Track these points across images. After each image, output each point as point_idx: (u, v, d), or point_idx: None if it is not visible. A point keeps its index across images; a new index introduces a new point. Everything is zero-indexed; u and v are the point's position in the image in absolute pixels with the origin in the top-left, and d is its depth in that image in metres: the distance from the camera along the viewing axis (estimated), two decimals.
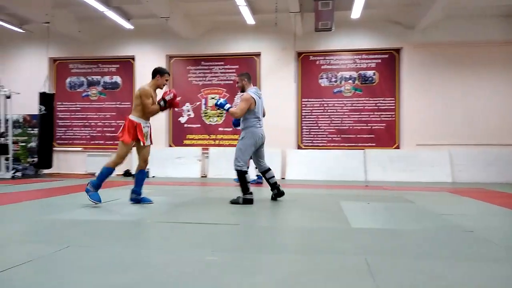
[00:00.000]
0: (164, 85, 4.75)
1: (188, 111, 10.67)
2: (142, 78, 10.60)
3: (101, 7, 8.32)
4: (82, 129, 11.00)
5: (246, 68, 10.36)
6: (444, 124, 9.56)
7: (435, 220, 3.89)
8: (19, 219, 3.75)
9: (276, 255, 2.51)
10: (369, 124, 9.92)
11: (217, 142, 10.45)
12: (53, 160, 10.09)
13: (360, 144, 9.88)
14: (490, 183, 8.49)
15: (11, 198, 5.42)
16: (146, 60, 10.66)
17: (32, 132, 10.94)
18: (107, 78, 10.99)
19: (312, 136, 10.13)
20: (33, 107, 10.14)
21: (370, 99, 9.94)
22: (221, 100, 4.93)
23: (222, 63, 10.53)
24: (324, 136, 10.07)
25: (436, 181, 8.77)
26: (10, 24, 9.78)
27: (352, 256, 2.48)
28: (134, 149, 4.76)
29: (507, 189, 7.33)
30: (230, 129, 10.24)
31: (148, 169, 9.45)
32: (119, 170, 10.10)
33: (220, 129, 10.48)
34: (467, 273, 2.19)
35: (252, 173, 8.44)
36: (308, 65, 10.17)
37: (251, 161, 5.76)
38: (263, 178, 5.25)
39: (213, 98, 10.54)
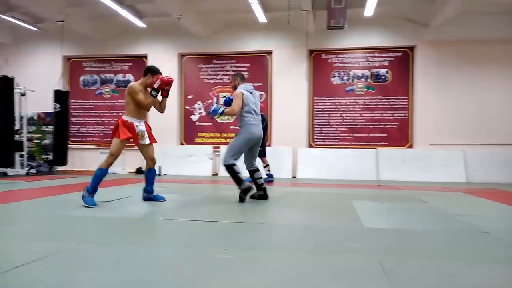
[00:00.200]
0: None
1: (200, 109, 10.70)
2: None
3: (114, 6, 8.39)
4: (95, 126, 11.12)
5: (258, 66, 10.36)
6: (458, 123, 9.41)
7: (449, 220, 3.83)
8: (34, 216, 3.80)
9: (288, 254, 2.49)
10: (381, 123, 9.83)
11: (228, 140, 10.44)
12: (67, 157, 10.22)
13: (372, 143, 9.80)
14: (505, 184, 8.34)
15: (26, 194, 5.51)
16: (159, 59, 10.73)
17: (46, 129, 11.10)
18: (120, 76, 11.08)
19: (323, 134, 10.08)
20: (47, 105, 10.29)
21: (383, 97, 9.84)
22: (213, 107, 4.83)
23: (234, 61, 10.54)
24: (336, 135, 10.01)
25: (450, 181, 8.64)
26: (24, 22, 9.93)
27: (365, 256, 2.46)
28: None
29: None
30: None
31: (160, 167, 9.58)
32: (132, 167, 10.21)
33: (231, 127, 10.49)
34: (484, 275, 2.15)
35: (262, 171, 8.44)
36: (320, 63, 10.12)
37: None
38: (251, 176, 5.08)
39: (224, 96, 10.53)
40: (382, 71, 9.87)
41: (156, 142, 4.79)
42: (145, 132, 4.61)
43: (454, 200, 5.63)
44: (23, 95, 9.68)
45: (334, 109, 10.04)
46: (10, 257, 2.34)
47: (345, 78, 10.01)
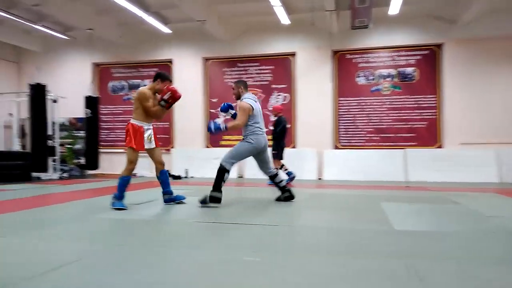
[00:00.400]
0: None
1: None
2: (180, 81, 10.87)
3: (140, 13, 8.59)
4: (124, 131, 11.38)
5: (282, 68, 10.36)
6: (490, 122, 9.11)
7: (482, 222, 3.71)
8: (68, 218, 3.93)
9: (318, 257, 2.48)
10: (409, 123, 9.63)
11: None
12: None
13: (400, 144, 9.61)
14: None
15: (60, 198, 5.70)
16: (183, 63, 10.93)
17: (77, 134, 11.46)
18: (146, 82, 11.30)
19: (349, 136, 9.96)
20: (78, 111, 10.62)
21: (410, 96, 9.65)
22: (213, 124, 4.62)
23: (257, 64, 10.58)
24: (362, 135, 9.88)
25: (482, 182, 8.36)
26: (55, 31, 10.29)
27: (396, 259, 2.41)
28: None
29: None
30: (265, 129, 10.24)
31: (186, 169, 9.71)
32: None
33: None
34: None
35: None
36: (344, 63, 10.02)
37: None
38: (273, 182, 5.06)
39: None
40: (409, 69, 9.68)
41: (159, 146, 4.75)
42: (152, 136, 4.64)
43: (487, 201, 5.45)
44: (54, 101, 10.02)
45: (359, 110, 9.91)
46: (47, 259, 2.43)
47: (371, 78, 9.87)
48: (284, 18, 8.99)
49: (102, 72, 11.67)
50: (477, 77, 9.23)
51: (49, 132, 9.73)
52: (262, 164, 4.96)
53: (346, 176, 9.17)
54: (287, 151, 9.91)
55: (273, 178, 4.99)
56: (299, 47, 10.15)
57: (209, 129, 4.67)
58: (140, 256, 2.48)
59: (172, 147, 11.04)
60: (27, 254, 2.55)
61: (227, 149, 10.50)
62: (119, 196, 4.40)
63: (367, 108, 9.87)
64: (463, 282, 2.00)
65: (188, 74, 10.84)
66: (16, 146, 10.86)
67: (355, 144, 9.91)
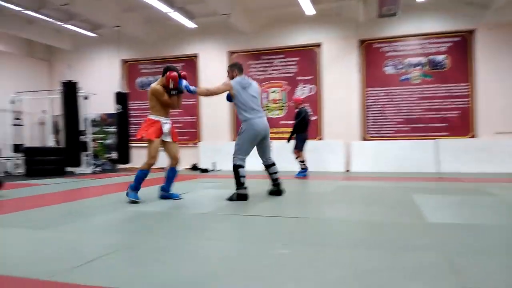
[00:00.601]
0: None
1: None
2: (205, 75, 10.95)
3: (166, 9, 8.67)
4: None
5: (307, 59, 10.24)
6: None
7: None
8: (102, 212, 4.04)
9: (349, 250, 2.45)
10: (440, 112, 9.34)
11: (279, 135, 10.46)
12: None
13: (431, 134, 9.35)
14: None
15: (94, 192, 5.88)
16: (209, 58, 10.99)
17: (108, 130, 11.76)
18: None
19: (378, 126, 9.77)
20: (108, 106, 10.87)
21: (441, 85, 9.35)
22: (185, 85, 4.49)
23: (283, 56, 10.50)
24: (391, 126, 9.66)
25: None
26: (84, 29, 10.55)
27: (432, 253, 2.35)
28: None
29: None
30: (292, 121, 10.19)
31: (214, 162, 9.80)
32: (187, 164, 10.54)
33: (281, 122, 10.48)
34: None
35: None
36: (372, 53, 9.80)
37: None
38: (267, 171, 4.90)
39: (274, 91, 10.57)
40: (440, 57, 9.37)
41: (178, 141, 4.74)
42: (170, 131, 4.63)
43: None
44: (86, 98, 10.31)
45: (388, 100, 9.69)
46: (85, 251, 2.51)
47: (400, 67, 9.61)
48: (309, 9, 8.86)
49: (130, 68, 11.90)
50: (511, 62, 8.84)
51: (82, 128, 10.03)
52: (261, 151, 4.81)
53: (374, 168, 9.02)
54: (314, 143, 9.88)
55: (268, 167, 4.86)
56: (324, 38, 10.00)
57: (180, 85, 4.49)
58: (174, 249, 2.53)
59: (199, 141, 11.17)
60: (66, 246, 2.65)
61: None
62: (135, 187, 4.50)
63: (396, 98, 9.63)
64: (502, 277, 1.93)
65: (213, 68, 10.89)
66: (51, 142, 11.28)
67: (384, 135, 9.71)
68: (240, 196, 4.51)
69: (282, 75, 10.51)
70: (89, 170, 10.07)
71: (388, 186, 6.11)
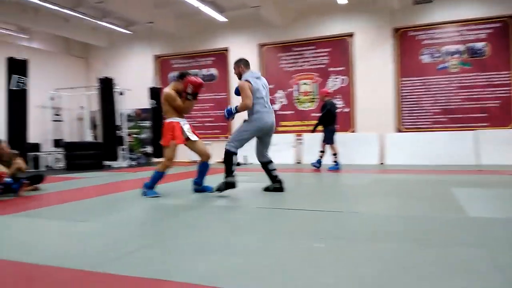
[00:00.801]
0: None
1: (281, 98, 10.75)
2: None
3: (196, 3, 8.73)
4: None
5: (339, 50, 10.06)
6: None
7: None
8: (139, 204, 4.16)
9: (386, 244, 2.40)
10: (480, 102, 8.95)
11: (310, 128, 10.35)
12: None
13: (470, 125, 8.98)
14: None
15: (131, 185, 6.05)
16: (239, 51, 10.97)
17: (142, 124, 12.06)
18: (204, 71, 11.57)
19: (413, 118, 9.48)
20: (142, 101, 11.14)
21: (481, 74, 8.94)
22: (227, 109, 4.54)
23: (314, 47, 10.36)
24: (428, 117, 9.35)
25: None
26: (118, 26, 10.81)
27: (473, 248, 2.27)
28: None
29: None
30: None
31: (245, 156, 9.84)
32: (219, 157, 10.64)
33: (313, 114, 10.37)
34: None
35: (314, 158, 8.26)
36: (407, 41, 9.49)
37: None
38: (264, 169, 4.72)
39: (305, 83, 10.46)
40: (479, 44, 8.95)
41: (199, 137, 4.76)
42: (190, 130, 4.66)
43: None
44: (121, 93, 10.60)
45: (424, 90, 9.37)
46: (125, 242, 2.59)
47: (436, 55, 9.26)
48: None
49: (162, 64, 12.11)
50: None
51: (118, 123, 10.33)
52: (261, 147, 4.66)
53: (410, 160, 8.77)
54: (346, 136, 9.72)
55: (266, 165, 4.69)
56: (357, 27, 9.77)
57: (226, 116, 4.56)
58: (206, 241, 2.57)
59: (230, 135, 11.23)
60: (106, 238, 2.75)
61: (284, 135, 10.57)
62: (150, 186, 4.58)
63: (433, 87, 9.30)
64: None
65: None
66: (89, 137, 11.69)
67: (420, 126, 9.41)
68: (229, 184, 4.34)
69: (313, 66, 10.38)
70: (125, 164, 10.37)
71: (425, 179, 5.94)
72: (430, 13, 9.12)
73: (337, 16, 9.90)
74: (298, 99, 10.56)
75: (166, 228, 3.02)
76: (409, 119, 9.54)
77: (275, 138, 10.25)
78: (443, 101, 9.22)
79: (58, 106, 11.51)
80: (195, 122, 11.53)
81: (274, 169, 4.71)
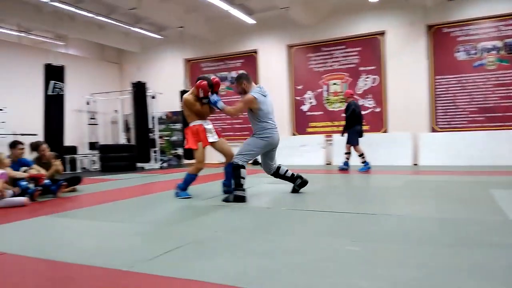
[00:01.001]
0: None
1: (310, 99, 10.68)
2: (265, 70, 11.01)
3: (226, 6, 8.81)
4: (213, 122, 11.91)
5: (370, 49, 9.89)
6: None
7: None
8: (172, 205, 4.24)
9: (421, 248, 2.33)
10: None
11: (340, 128, 10.21)
12: None
13: (508, 124, 8.58)
14: None
15: (163, 186, 6.18)
16: (268, 53, 11.03)
17: (173, 127, 12.30)
18: (233, 73, 11.65)
19: (449, 117, 9.17)
20: (173, 105, 11.35)
21: None
22: (214, 100, 4.56)
23: (343, 46, 10.22)
24: (464, 116, 9.01)
25: None
26: (150, 32, 11.07)
27: None
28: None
29: None
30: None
31: (256, 158, 9.82)
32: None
33: (343, 115, 10.21)
34: None
35: (341, 159, 8.11)
36: (441, 38, 9.19)
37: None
38: (278, 177, 4.74)
39: (335, 84, 10.34)
40: None
41: (222, 137, 4.89)
42: (213, 130, 4.77)
43: None
44: (153, 97, 10.86)
45: (460, 88, 9.04)
46: (160, 243, 2.65)
47: (472, 52, 8.92)
48: None
49: (192, 67, 12.30)
50: None
51: (150, 125, 10.58)
52: (268, 160, 4.66)
53: (446, 161, 8.48)
54: (378, 136, 9.53)
55: (277, 172, 4.69)
56: (389, 25, 9.56)
57: (210, 100, 4.59)
58: (238, 242, 2.58)
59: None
60: (141, 238, 2.82)
61: (313, 136, 10.47)
62: (183, 187, 4.68)
63: (469, 85, 8.96)
64: None
65: (273, 63, 10.91)
66: (122, 140, 12.04)
67: (456, 125, 9.09)
68: (238, 198, 4.23)
69: (343, 66, 10.24)
70: (157, 165, 10.60)
71: (462, 180, 5.73)
72: (465, 8, 8.80)
73: (368, 14, 9.73)
74: (327, 99, 10.45)
75: (198, 229, 3.06)
76: (444, 118, 9.23)
77: (304, 139, 10.36)
78: (479, 99, 8.86)
79: (93, 110, 11.92)
80: (224, 124, 11.66)
81: (287, 170, 4.74)
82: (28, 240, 2.88)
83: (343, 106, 10.21)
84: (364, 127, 9.91)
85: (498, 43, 8.71)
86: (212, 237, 2.76)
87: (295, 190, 4.77)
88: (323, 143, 10.17)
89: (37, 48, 11.23)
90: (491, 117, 8.76)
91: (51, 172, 5.33)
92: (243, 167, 4.33)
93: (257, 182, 5.86)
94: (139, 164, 10.24)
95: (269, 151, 4.60)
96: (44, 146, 5.48)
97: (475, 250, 2.26)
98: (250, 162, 4.81)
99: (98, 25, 10.94)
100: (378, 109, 9.84)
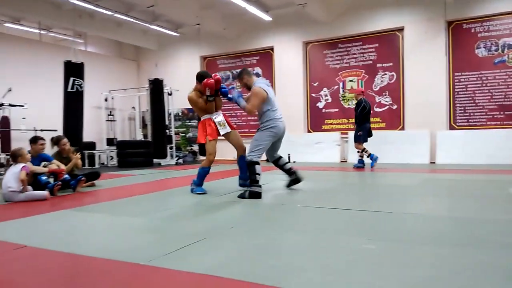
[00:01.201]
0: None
1: (326, 96, 10.61)
2: (280, 67, 10.98)
3: (242, 3, 8.81)
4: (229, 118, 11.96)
5: (387, 45, 9.76)
6: None
7: None
8: (188, 201, 4.29)
9: (438, 247, 2.31)
10: None
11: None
12: None
13: None
14: None
15: (179, 182, 6.25)
16: (284, 49, 11.00)
17: (189, 124, 12.40)
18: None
19: (467, 114, 8.99)
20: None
21: None
22: (236, 95, 4.62)
23: (360, 43, 10.12)
24: (483, 113, 8.82)
25: None
26: (167, 29, 11.16)
27: None
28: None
29: None
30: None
31: (288, 154, 9.84)
32: (262, 156, 10.71)
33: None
34: None
35: (355, 157, 8.02)
36: (461, 34, 9.00)
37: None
38: (276, 166, 4.85)
39: (351, 80, 10.25)
40: None
41: (235, 128, 4.90)
42: (225, 121, 4.78)
43: None
44: (170, 94, 10.96)
45: (480, 85, 8.85)
46: (177, 238, 2.69)
47: (493, 48, 8.71)
48: None
49: (208, 64, 12.36)
50: None
51: (166, 122, 10.69)
52: (273, 151, 4.77)
53: (464, 159, 8.33)
54: (394, 134, 9.42)
55: (277, 161, 4.80)
56: (407, 21, 9.40)
57: (228, 95, 4.66)
58: (253, 239, 2.60)
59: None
60: (159, 233, 2.87)
61: (329, 133, 10.40)
62: (198, 183, 4.72)
63: (489, 82, 8.76)
64: None
65: (289, 60, 10.88)
66: (139, 136, 12.20)
67: (475, 123, 8.91)
68: (253, 194, 4.26)
69: (360, 63, 10.14)
70: (173, 162, 10.71)
71: (480, 179, 5.63)
72: (487, 4, 8.59)
73: (386, 10, 9.60)
74: (343, 96, 10.37)
75: (214, 224, 3.09)
76: (462, 115, 9.06)
77: (320, 136, 10.31)
78: (499, 96, 8.66)
79: (112, 107, 12.11)
80: (240, 121, 11.69)
81: (286, 163, 4.86)
82: (48, 233, 2.96)
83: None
84: (380, 125, 9.86)
85: None
86: (228, 233, 2.79)
87: (289, 185, 4.87)
88: (339, 140, 10.11)
89: (57, 45, 11.46)
90: (511, 115, 8.55)
91: (71, 165, 5.44)
92: (257, 163, 4.36)
93: (271, 179, 5.87)
94: (155, 160, 10.36)
95: (275, 142, 4.68)
96: (65, 140, 5.59)
97: (492, 250, 2.23)
98: (265, 159, 4.86)
99: (117, 22, 11.09)
100: (395, 106, 9.72)
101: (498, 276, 1.83)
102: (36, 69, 10.32)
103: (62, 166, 5.23)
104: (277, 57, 11.14)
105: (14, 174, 4.47)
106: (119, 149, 10.28)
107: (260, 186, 4.33)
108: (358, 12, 9.91)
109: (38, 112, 9.64)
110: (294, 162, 9.99)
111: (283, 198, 4.39)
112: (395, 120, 9.72)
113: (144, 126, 12.31)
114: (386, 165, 8.02)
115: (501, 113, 8.66)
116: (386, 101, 9.81)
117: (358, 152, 8.02)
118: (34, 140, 5.25)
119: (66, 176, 5.15)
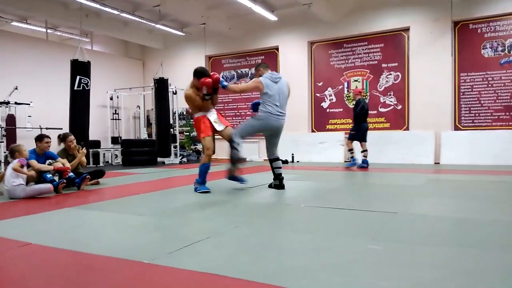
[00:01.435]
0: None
1: (330, 95, 10.60)
2: (285, 67, 10.98)
3: (248, 3, 8.82)
4: (234, 118, 11.98)
5: (393, 45, 9.73)
6: None
7: None
8: (192, 200, 4.30)
9: (444, 248, 2.30)
10: None
11: None
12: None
13: None
14: None
15: (184, 181, 6.27)
16: (289, 49, 11.00)
17: (193, 123, 12.41)
18: (254, 70, 11.65)
19: (473, 115, 8.95)
20: None
21: None
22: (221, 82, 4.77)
23: (366, 43, 10.10)
24: (489, 114, 8.78)
25: None
26: (173, 29, 11.19)
27: None
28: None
29: None
30: (374, 111, 9.79)
31: (292, 154, 9.82)
32: (264, 156, 10.71)
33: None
34: None
35: (359, 156, 8.01)
36: (467, 34, 8.96)
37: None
38: (270, 165, 4.95)
39: (356, 80, 10.23)
40: None
41: (229, 125, 4.95)
42: (218, 119, 4.84)
43: None
44: (174, 93, 10.98)
45: (485, 86, 8.80)
46: (181, 236, 2.70)
47: (500, 49, 8.66)
48: None
49: (213, 64, 12.39)
50: None
51: (171, 121, 10.71)
52: (270, 146, 4.92)
53: (469, 160, 8.29)
54: (399, 134, 9.39)
55: (272, 162, 4.89)
56: (413, 21, 9.37)
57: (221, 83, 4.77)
58: (258, 238, 2.61)
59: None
60: (163, 232, 2.88)
61: (333, 133, 10.38)
62: (201, 181, 4.74)
63: (495, 83, 8.71)
64: None
65: (294, 59, 10.88)
66: (144, 135, 12.24)
67: (480, 124, 8.86)
68: (236, 160, 4.69)
69: (365, 63, 10.12)
70: (177, 160, 10.74)
71: (486, 180, 5.59)
72: (493, 4, 8.54)
73: (391, 10, 9.57)
74: (348, 96, 10.35)
75: (218, 223, 3.10)
76: (468, 116, 9.01)
77: (323, 136, 10.29)
78: (505, 97, 8.61)
79: (117, 106, 12.16)
80: (243, 120, 11.69)
81: (279, 167, 4.92)
82: (53, 231, 2.97)
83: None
84: (385, 125, 9.83)
85: None
86: (231, 232, 2.79)
87: (270, 186, 4.95)
88: (342, 140, 10.09)
89: (63, 44, 11.53)
90: None
91: (76, 161, 5.47)
92: (235, 148, 4.66)
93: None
94: (159, 159, 10.39)
95: (270, 138, 4.85)
96: (71, 137, 5.62)
97: (498, 252, 2.22)
98: (267, 159, 4.91)
99: (123, 22, 11.14)
100: (399, 107, 9.69)
101: (504, 277, 1.82)
102: (43, 68, 10.39)
103: (67, 164, 5.27)
104: (282, 56, 11.14)
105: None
106: (124, 147, 10.32)
107: (238, 150, 4.65)
108: (364, 12, 9.88)
109: (44, 110, 9.70)
110: (297, 162, 9.99)
111: (288, 198, 4.39)
112: (399, 120, 9.69)
113: (148, 125, 12.35)
114: (390, 165, 7.99)
115: (507, 114, 8.61)
116: (391, 101, 9.79)
117: (361, 152, 8.01)
118: (40, 138, 5.28)
119: (71, 174, 5.19)
